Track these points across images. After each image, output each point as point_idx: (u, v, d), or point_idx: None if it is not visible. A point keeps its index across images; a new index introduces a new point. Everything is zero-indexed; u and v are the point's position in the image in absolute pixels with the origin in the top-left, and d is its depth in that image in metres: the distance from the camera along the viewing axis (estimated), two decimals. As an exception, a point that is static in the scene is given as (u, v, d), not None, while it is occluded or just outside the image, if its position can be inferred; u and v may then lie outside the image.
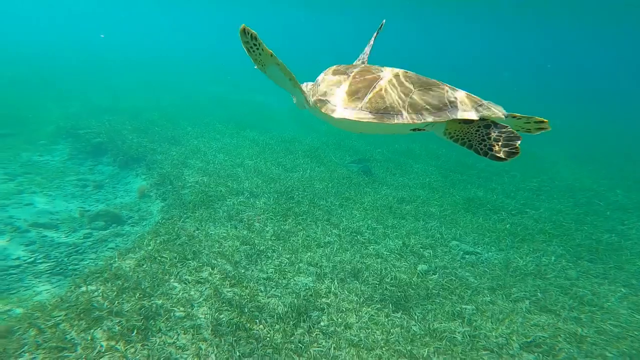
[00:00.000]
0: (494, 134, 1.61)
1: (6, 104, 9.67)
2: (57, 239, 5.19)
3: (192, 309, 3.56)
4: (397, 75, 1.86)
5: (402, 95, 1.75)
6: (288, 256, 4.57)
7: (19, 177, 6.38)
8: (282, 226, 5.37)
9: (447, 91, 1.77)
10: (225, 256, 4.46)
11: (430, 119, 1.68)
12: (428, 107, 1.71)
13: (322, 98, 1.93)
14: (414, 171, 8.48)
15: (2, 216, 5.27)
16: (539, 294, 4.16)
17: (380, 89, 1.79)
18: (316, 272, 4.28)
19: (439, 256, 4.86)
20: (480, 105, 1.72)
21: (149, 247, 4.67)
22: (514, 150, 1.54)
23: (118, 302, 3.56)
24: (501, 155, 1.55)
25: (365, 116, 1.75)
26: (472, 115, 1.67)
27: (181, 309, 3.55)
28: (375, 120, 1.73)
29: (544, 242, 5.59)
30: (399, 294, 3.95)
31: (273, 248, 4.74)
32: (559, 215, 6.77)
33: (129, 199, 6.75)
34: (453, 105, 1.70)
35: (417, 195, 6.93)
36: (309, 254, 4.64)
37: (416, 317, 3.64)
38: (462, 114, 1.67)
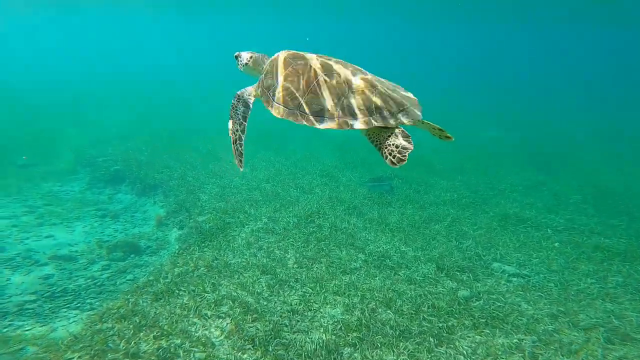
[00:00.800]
0: (396, 142, 1.76)
1: (28, 133, 10.03)
2: (76, 272, 5.08)
3: (213, 349, 3.28)
4: (329, 68, 1.90)
5: (336, 98, 1.82)
6: (312, 285, 4.26)
7: (39, 209, 6.41)
8: (304, 252, 5.11)
9: (372, 92, 1.82)
10: (246, 287, 4.19)
11: (359, 126, 1.78)
12: (358, 112, 1.79)
13: (265, 92, 2.03)
14: (440, 187, 8.09)
15: (20, 249, 5.23)
16: (614, 320, 3.66)
17: (316, 89, 1.85)
18: (344, 303, 3.94)
19: (481, 280, 4.43)
20: (401, 111, 1.80)
21: (167, 280, 4.48)
22: (402, 159, 1.71)
23: (135, 342, 3.32)
24: (389, 162, 1.74)
25: (300, 119, 1.85)
26: (391, 124, 1.78)
27: (201, 348, 3.27)
28: (308, 124, 1.83)
29: (603, 261, 5.06)
30: (439, 324, 3.55)
31: (296, 277, 4.46)
32: (614, 230, 6.20)
33: (147, 227, 6.67)
34: (378, 111, 1.79)
35: (446, 213, 6.55)
36: (334, 282, 4.32)
37: (465, 351, 3.23)
38: (383, 123, 1.78)
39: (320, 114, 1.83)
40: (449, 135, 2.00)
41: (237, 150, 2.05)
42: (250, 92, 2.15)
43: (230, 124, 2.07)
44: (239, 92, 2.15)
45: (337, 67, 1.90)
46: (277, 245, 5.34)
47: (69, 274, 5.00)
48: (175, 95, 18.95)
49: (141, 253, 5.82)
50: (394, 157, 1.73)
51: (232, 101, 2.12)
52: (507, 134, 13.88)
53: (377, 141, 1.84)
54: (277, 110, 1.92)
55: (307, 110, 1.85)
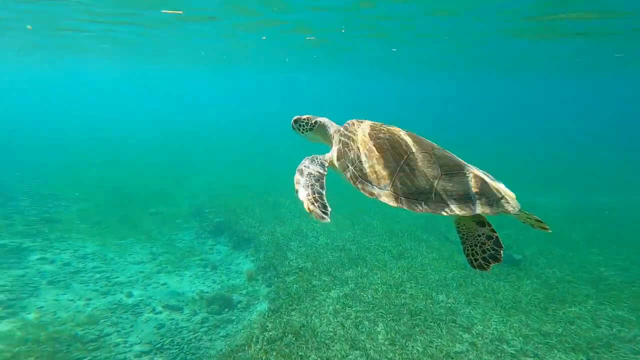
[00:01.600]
0: (487, 246, 1.68)
1: (157, 183, 12.20)
2: (181, 323, 5.51)
3: None
4: (425, 152, 1.80)
5: (430, 180, 1.72)
6: (410, 373, 3.64)
7: (160, 256, 7.42)
8: (395, 327, 4.60)
9: (471, 178, 1.72)
10: (336, 368, 3.83)
11: (458, 212, 1.66)
12: (455, 197, 1.68)
13: (349, 167, 1.93)
14: (569, 261, 6.60)
15: (144, 296, 5.98)
16: None
17: (411, 171, 1.76)
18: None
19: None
20: (501, 199, 1.68)
21: (258, 347, 4.47)
22: (485, 268, 1.65)
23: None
24: (472, 264, 1.68)
25: (388, 199, 1.74)
26: (493, 212, 1.66)
27: None
28: (405, 207, 1.72)
29: None
30: None
31: (389, 356, 3.92)
32: None
33: (239, 281, 7.01)
34: (475, 197, 1.68)
35: (583, 293, 5.18)
36: (438, 373, 3.62)
37: None
38: (481, 210, 1.66)
39: (417, 196, 1.72)
40: (546, 226, 1.78)
41: (318, 207, 1.78)
42: (326, 159, 2.07)
43: (302, 190, 1.86)
44: (313, 157, 2.04)
45: (427, 145, 1.83)
46: (366, 315, 4.95)
47: (176, 325, 5.44)
48: (271, 143, 21.07)
49: (233, 307, 6.08)
50: (476, 261, 1.68)
51: (303, 166, 1.98)
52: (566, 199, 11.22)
53: (466, 235, 1.76)
54: (369, 189, 1.82)
55: (401, 191, 1.74)
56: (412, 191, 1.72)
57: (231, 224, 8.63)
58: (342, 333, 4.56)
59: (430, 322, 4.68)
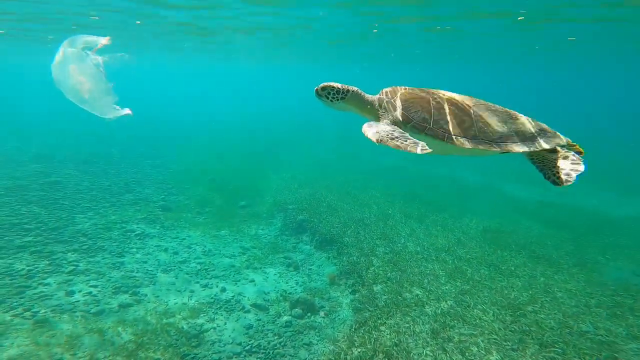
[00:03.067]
0: (566, 163, 1.97)
1: (245, 176, 13.08)
2: (267, 325, 5.65)
3: None
4: (481, 104, 2.09)
5: (504, 125, 1.99)
6: None
7: (248, 251, 7.85)
8: (519, 359, 3.79)
9: (526, 120, 2.07)
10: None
11: (544, 146, 1.98)
12: (533, 135, 1.99)
13: (428, 126, 2.02)
14: None
15: (235, 292, 6.36)
16: None
17: (483, 119, 2.00)
18: None
19: None
20: (552, 134, 2.03)
21: (344, 369, 4.24)
22: (569, 180, 1.90)
23: None
24: (561, 182, 1.92)
25: (484, 146, 1.95)
26: (557, 144, 2.00)
27: None
28: (495, 149, 1.95)
29: None
30: None
31: None
32: None
33: (320, 283, 6.91)
34: (542, 134, 2.00)
35: None
36: None
37: None
38: (553, 143, 1.99)
39: (499, 139, 1.95)
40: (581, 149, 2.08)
41: (409, 143, 1.91)
42: (390, 122, 2.11)
43: (390, 142, 1.94)
44: (371, 124, 2.07)
45: (475, 100, 2.09)
46: (473, 340, 4.23)
47: (262, 327, 5.60)
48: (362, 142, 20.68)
49: (316, 313, 5.98)
50: (558, 179, 1.90)
51: (375, 130, 2.03)
52: None
53: (542, 164, 2.02)
54: (458, 141, 1.96)
55: (485, 137, 1.94)
56: (497, 136, 1.94)
57: (314, 223, 8.57)
58: (445, 359, 4.01)
59: (574, 356, 3.80)
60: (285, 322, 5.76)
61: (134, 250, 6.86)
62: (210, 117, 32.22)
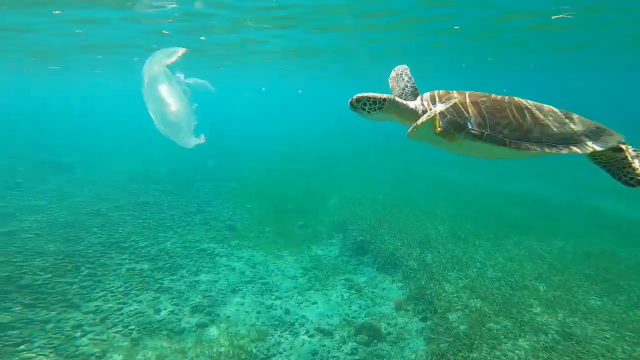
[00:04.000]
0: (634, 163, 1.88)
1: (302, 195, 13.38)
2: (332, 352, 5.53)
3: None
4: (532, 104, 2.02)
5: (562, 125, 1.92)
6: None
7: (309, 272, 7.91)
8: None
9: (581, 119, 1.99)
10: None
11: (611, 143, 1.88)
12: (596, 132, 1.90)
13: (485, 131, 1.92)
14: None
15: (299, 315, 6.41)
16: None
17: (540, 120, 1.93)
18: None
19: None
20: (613, 132, 1.94)
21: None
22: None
23: None
24: (633, 184, 1.86)
25: (550, 149, 1.87)
26: (615, 143, 1.90)
27: None
28: (563, 151, 1.86)
29: None
30: None
31: None
32: None
33: (386, 308, 6.62)
34: (602, 132, 1.91)
35: None
36: None
37: None
38: (615, 141, 1.89)
39: (563, 140, 1.87)
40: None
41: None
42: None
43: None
44: (443, 116, 1.97)
45: (525, 100, 2.04)
46: None
47: (328, 354, 5.51)
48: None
49: (382, 339, 5.70)
50: (632, 179, 1.84)
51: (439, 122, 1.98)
52: None
53: (608, 164, 1.93)
54: (523, 146, 1.87)
55: (549, 139, 1.87)
56: (560, 138, 1.86)
57: (375, 244, 8.33)
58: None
59: None
60: (351, 350, 5.59)
61: (207, 269, 7.41)
62: (266, 134, 34.15)
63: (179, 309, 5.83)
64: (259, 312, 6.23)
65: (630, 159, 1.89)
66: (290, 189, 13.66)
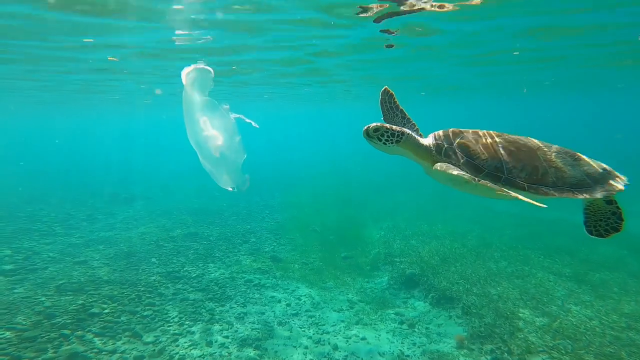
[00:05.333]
0: (611, 220, 1.94)
1: (345, 225, 13.22)
2: (386, 397, 5.15)
3: None
4: (543, 145, 2.03)
5: (572, 168, 1.93)
6: None
7: (355, 305, 7.60)
8: None
9: (589, 162, 1.99)
10: None
11: (618, 187, 1.91)
12: (604, 176, 1.92)
13: (503, 175, 1.96)
14: None
15: (348, 351, 6.09)
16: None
17: (553, 163, 1.95)
18: None
19: None
20: (617, 177, 1.97)
21: None
22: (606, 236, 1.95)
23: None
24: (595, 235, 1.98)
25: (568, 194, 1.88)
26: (619, 188, 1.93)
27: None
28: (578, 196, 1.88)
29: None
30: None
31: None
32: None
33: (444, 346, 6.07)
34: (610, 176, 1.94)
35: None
36: None
37: None
38: (617, 187, 1.92)
39: (577, 184, 1.88)
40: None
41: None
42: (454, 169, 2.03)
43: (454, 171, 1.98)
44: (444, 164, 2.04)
45: (536, 141, 2.06)
46: None
47: (382, 398, 5.13)
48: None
49: (442, 385, 5.19)
50: (596, 231, 1.95)
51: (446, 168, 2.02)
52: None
53: (593, 213, 1.99)
54: (541, 191, 1.90)
55: (565, 184, 1.88)
56: (574, 182, 1.88)
57: (427, 277, 7.84)
58: None
59: None
60: (408, 396, 5.14)
61: (254, 300, 7.47)
62: (306, 161, 35.00)
63: (229, 342, 5.88)
64: (306, 348, 6.05)
65: (609, 214, 1.96)
66: (329, 218, 13.63)
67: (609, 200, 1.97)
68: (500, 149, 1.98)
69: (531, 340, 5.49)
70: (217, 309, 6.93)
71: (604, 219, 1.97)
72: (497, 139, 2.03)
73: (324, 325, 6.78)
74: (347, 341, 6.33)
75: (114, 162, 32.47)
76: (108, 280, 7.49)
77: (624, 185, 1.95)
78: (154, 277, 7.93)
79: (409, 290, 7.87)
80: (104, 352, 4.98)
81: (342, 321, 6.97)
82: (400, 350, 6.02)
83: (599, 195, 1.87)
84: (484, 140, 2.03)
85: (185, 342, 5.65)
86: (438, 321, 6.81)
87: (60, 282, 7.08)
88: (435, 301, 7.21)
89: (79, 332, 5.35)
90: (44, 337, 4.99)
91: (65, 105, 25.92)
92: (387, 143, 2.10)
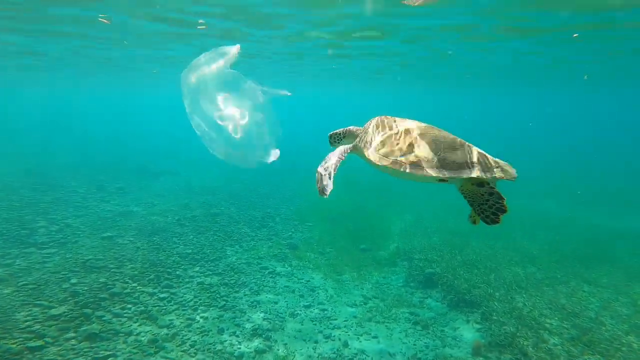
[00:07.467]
0: (491, 202, 2.04)
1: (366, 216, 12.88)
2: (394, 402, 5.03)
3: None
4: (432, 133, 2.22)
5: (435, 152, 2.12)
6: None
7: (370, 300, 7.44)
8: None
9: (471, 151, 2.13)
10: None
11: (447, 174, 2.07)
12: (455, 165, 2.07)
13: (379, 154, 2.28)
14: None
15: (358, 349, 5.99)
16: None
17: (421, 146, 2.17)
18: None
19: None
20: (496, 167, 2.09)
21: None
22: (496, 221, 2.06)
23: None
24: (486, 221, 2.08)
25: (427, 171, 2.11)
26: (487, 178, 2.07)
27: None
28: (423, 173, 2.12)
29: None
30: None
31: None
32: None
33: (459, 351, 5.82)
34: (472, 165, 2.07)
35: None
36: None
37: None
38: (475, 174, 2.04)
39: (423, 164, 2.11)
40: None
41: (326, 178, 2.23)
42: (347, 148, 2.48)
43: (327, 165, 2.33)
44: (340, 148, 2.47)
45: (428, 126, 2.28)
46: None
47: (390, 403, 5.02)
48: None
49: (454, 394, 4.98)
50: (487, 217, 2.05)
51: (336, 155, 2.40)
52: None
53: (471, 198, 2.12)
54: (376, 158, 2.25)
55: (407, 159, 2.14)
56: (423, 161, 2.11)
57: (447, 278, 7.47)
58: None
59: None
60: (416, 401, 4.99)
61: (267, 288, 7.51)
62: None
63: (240, 331, 5.95)
64: (316, 342, 6.02)
65: (487, 195, 2.05)
66: (350, 206, 13.32)
67: (480, 184, 2.08)
68: (397, 134, 2.26)
69: (556, 353, 5.13)
70: (231, 295, 7.03)
71: (484, 202, 2.04)
72: (399, 126, 2.30)
73: (336, 319, 6.70)
74: (358, 338, 6.23)
75: (147, 136, 33.69)
76: (131, 259, 7.80)
77: (511, 175, 2.09)
78: (173, 258, 8.16)
79: (427, 290, 7.57)
80: (120, 334, 5.21)
81: (355, 317, 6.85)
82: (412, 352, 5.84)
83: (465, 175, 2.03)
84: (388, 126, 2.34)
85: (197, 328, 5.79)
86: (455, 324, 6.51)
87: (87, 258, 7.45)
88: (453, 304, 6.88)
89: (100, 311, 5.62)
90: (68, 315, 5.28)
91: (107, 78, 26.77)
92: (337, 142, 2.67)
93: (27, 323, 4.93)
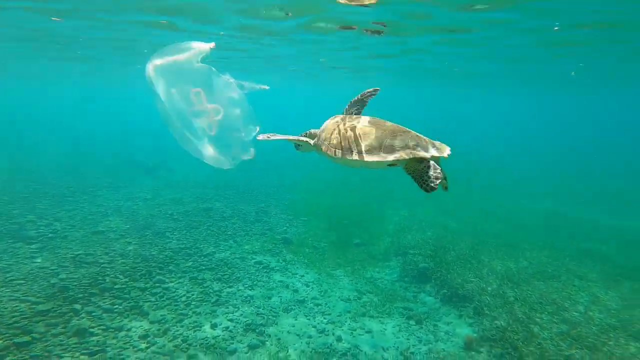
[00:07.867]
0: (430, 173, 2.32)
1: (360, 211, 12.86)
2: (388, 395, 5.05)
3: None
4: (378, 125, 2.58)
5: (380, 141, 2.45)
6: None
7: (364, 295, 7.45)
8: None
9: (410, 136, 2.46)
10: None
11: (391, 157, 2.39)
12: (396, 148, 2.41)
13: (329, 146, 2.65)
14: None
15: (351, 343, 6.00)
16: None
17: (368, 137, 2.49)
18: None
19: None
20: (432, 147, 2.44)
21: None
22: (434, 187, 2.29)
23: None
24: (426, 189, 2.31)
25: (371, 158, 2.45)
26: (425, 155, 2.39)
27: None
28: (358, 158, 2.46)
29: None
30: None
31: None
32: None
33: (451, 346, 5.87)
34: (413, 147, 2.40)
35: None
36: None
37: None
38: (415, 154, 2.38)
39: (373, 152, 2.45)
40: (446, 185, 2.53)
41: (269, 136, 2.96)
42: (305, 139, 2.95)
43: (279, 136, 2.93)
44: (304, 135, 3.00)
45: (375, 120, 2.66)
46: None
47: (383, 396, 5.03)
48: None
49: (446, 387, 5.02)
50: (427, 186, 2.29)
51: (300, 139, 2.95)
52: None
53: (413, 173, 2.40)
54: (331, 151, 2.59)
55: (356, 149, 2.48)
56: (369, 149, 2.45)
57: (441, 273, 7.51)
58: None
59: None
60: (410, 395, 5.02)
61: (261, 283, 7.46)
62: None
63: (234, 326, 5.91)
64: (310, 337, 6.00)
65: (426, 169, 2.32)
66: (345, 201, 13.29)
67: (419, 160, 2.36)
68: (341, 129, 2.61)
69: (545, 348, 5.20)
70: (224, 290, 6.97)
71: (424, 174, 2.32)
72: (344, 123, 2.66)
73: (330, 314, 6.70)
74: (352, 333, 6.23)
75: (139, 131, 33.16)
76: (122, 254, 7.68)
77: (445, 152, 2.42)
78: (165, 253, 8.07)
79: (420, 285, 7.60)
80: (110, 330, 5.12)
81: (349, 312, 6.85)
82: (405, 346, 5.86)
83: (406, 156, 2.35)
84: (334, 123, 2.72)
85: (190, 323, 5.73)
86: (447, 319, 6.56)
87: (77, 253, 7.32)
88: (446, 298, 6.93)
89: (90, 307, 5.52)
90: (56, 310, 5.18)
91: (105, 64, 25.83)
92: (302, 143, 2.96)
93: (14, 319, 4.82)
